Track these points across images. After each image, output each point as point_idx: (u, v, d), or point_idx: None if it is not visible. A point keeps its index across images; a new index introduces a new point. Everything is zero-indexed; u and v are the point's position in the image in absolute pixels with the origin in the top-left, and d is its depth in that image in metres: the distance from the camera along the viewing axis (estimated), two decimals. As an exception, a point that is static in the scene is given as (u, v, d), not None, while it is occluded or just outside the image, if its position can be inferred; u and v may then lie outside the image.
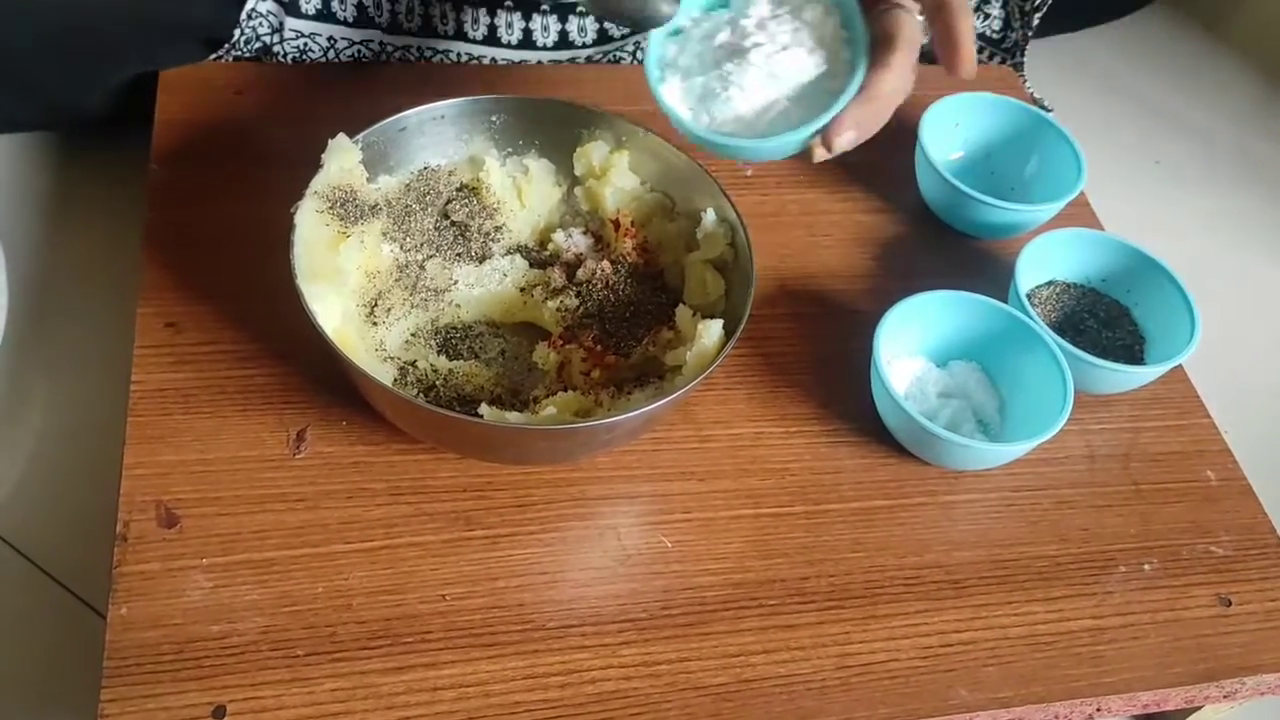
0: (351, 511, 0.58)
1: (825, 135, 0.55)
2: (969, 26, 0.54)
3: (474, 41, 0.83)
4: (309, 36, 0.78)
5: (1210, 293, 0.73)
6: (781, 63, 0.56)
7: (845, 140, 0.55)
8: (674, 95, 0.57)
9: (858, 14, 0.56)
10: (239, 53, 0.78)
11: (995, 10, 0.96)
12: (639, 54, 0.88)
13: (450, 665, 0.54)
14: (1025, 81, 0.94)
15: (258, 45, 0.78)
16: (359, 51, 0.80)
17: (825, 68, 0.56)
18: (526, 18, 0.83)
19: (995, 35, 0.97)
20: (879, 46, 0.55)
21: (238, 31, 0.76)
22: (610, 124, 0.68)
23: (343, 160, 0.62)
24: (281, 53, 0.79)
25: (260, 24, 0.77)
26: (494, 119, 0.68)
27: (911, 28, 0.55)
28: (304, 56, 0.79)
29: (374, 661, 0.54)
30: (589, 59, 0.86)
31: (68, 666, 0.60)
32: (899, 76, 0.55)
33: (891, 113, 0.56)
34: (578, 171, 0.69)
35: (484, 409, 0.59)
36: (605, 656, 0.56)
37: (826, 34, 0.56)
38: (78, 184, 0.82)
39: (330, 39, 0.79)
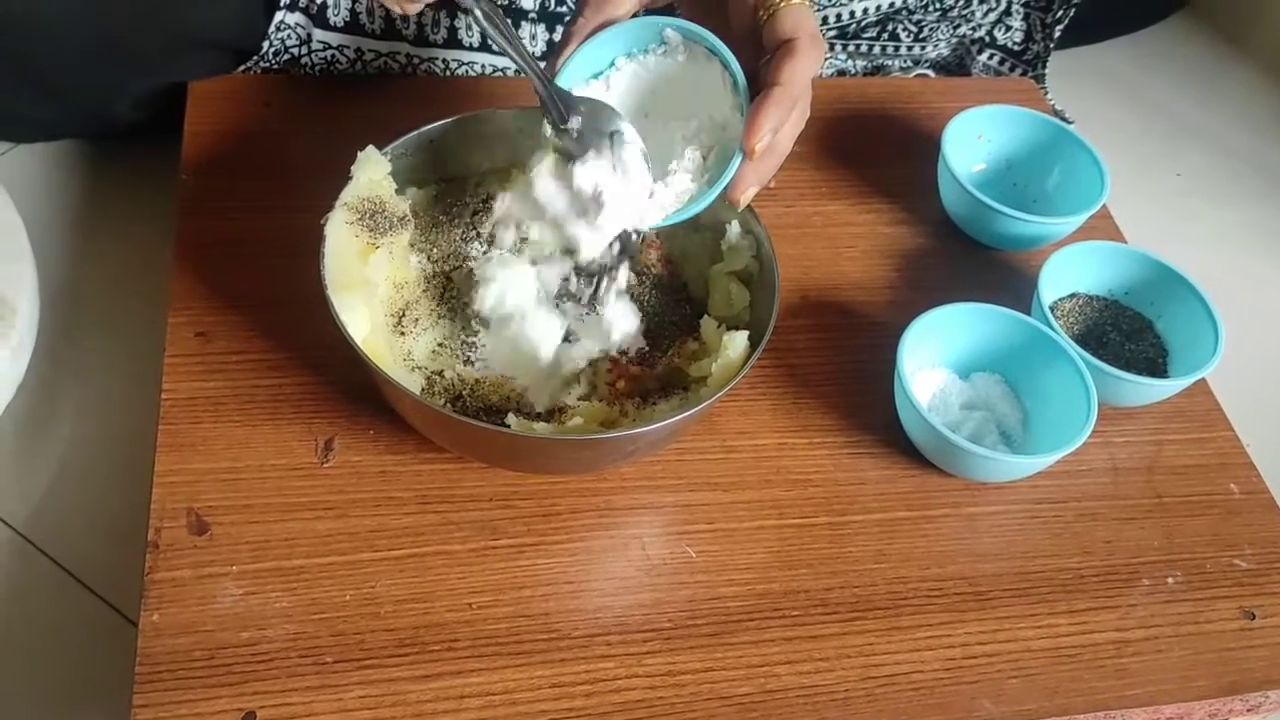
0: (379, 520, 0.59)
1: (730, 195, 0.58)
2: (778, 117, 0.56)
3: (499, 53, 0.83)
4: (337, 49, 0.79)
5: (1234, 305, 0.73)
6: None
7: (750, 195, 0.58)
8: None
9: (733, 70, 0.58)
10: (267, 64, 0.79)
11: (1016, 23, 0.96)
12: None
13: (477, 673, 0.55)
14: (1047, 94, 0.95)
15: (286, 57, 0.79)
16: (386, 64, 0.81)
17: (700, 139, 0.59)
18: (550, 30, 0.83)
19: (1016, 47, 0.97)
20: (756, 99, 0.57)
21: (266, 43, 0.77)
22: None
23: (372, 172, 0.63)
24: (309, 64, 0.79)
25: (288, 35, 0.78)
26: (520, 130, 0.69)
27: (782, 71, 0.57)
28: (331, 68, 0.80)
29: (402, 669, 0.54)
30: None
31: (100, 672, 0.60)
32: (777, 123, 0.57)
33: (783, 157, 0.59)
34: (603, 183, 0.70)
35: (510, 419, 0.60)
36: (630, 666, 0.56)
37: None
38: (109, 194, 0.83)
39: (358, 50, 0.80)
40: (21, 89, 0.76)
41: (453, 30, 0.81)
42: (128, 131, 0.82)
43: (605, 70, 0.62)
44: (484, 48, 0.83)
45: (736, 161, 0.57)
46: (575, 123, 0.58)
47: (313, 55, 0.79)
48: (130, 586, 0.59)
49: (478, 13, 0.57)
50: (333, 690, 0.53)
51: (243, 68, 0.78)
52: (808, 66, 0.57)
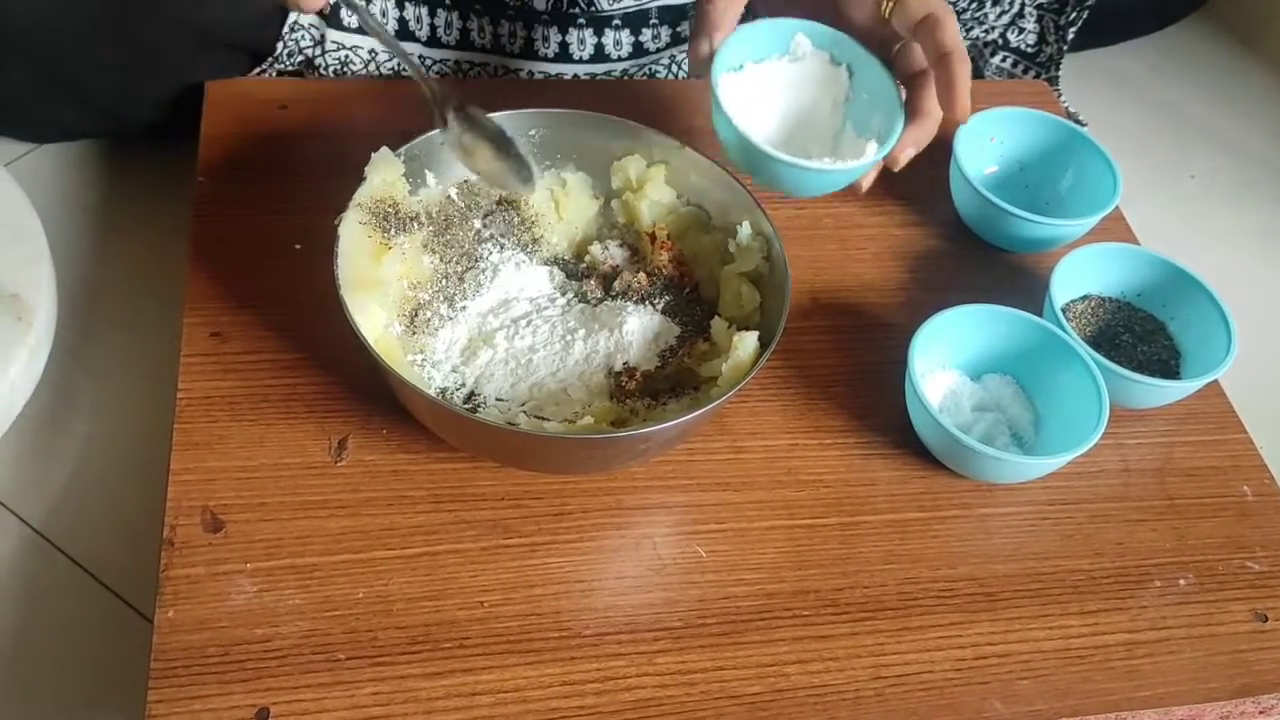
0: (392, 518, 0.59)
1: (892, 155, 0.64)
2: (966, 73, 0.63)
3: (511, 55, 0.84)
4: (350, 49, 0.80)
5: (1246, 307, 0.73)
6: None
7: (907, 156, 0.65)
8: (735, 108, 0.63)
9: (870, 61, 0.66)
10: (282, 65, 0.79)
11: (1030, 25, 0.96)
12: (674, 68, 0.89)
13: (488, 671, 0.55)
14: (1061, 96, 0.95)
15: (300, 59, 0.80)
16: (399, 65, 0.82)
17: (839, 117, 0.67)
18: (563, 31, 0.84)
19: (1030, 49, 0.97)
20: (917, 75, 0.65)
21: (280, 44, 0.78)
22: (647, 138, 0.69)
23: (385, 173, 0.63)
24: (323, 65, 0.80)
25: (302, 36, 0.78)
26: (533, 133, 0.69)
27: (930, 56, 0.64)
28: (345, 69, 0.81)
29: (414, 666, 0.55)
30: (624, 72, 0.87)
31: (115, 668, 0.61)
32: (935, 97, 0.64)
33: (937, 123, 0.66)
34: (615, 185, 0.70)
35: (521, 419, 0.60)
36: (641, 664, 0.57)
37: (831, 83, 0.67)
38: (126, 196, 0.83)
39: (371, 51, 0.81)
40: (40, 90, 0.76)
41: (464, 32, 0.82)
42: (145, 132, 0.83)
43: (736, 69, 0.66)
44: (496, 49, 0.83)
45: (899, 127, 0.64)
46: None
47: (326, 56, 0.80)
48: (146, 584, 0.59)
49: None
50: (345, 687, 0.54)
51: (258, 70, 0.79)
52: (955, 27, 0.63)
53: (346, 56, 0.80)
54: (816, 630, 0.59)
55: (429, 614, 0.57)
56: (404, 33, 0.81)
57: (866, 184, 0.66)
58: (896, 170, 0.65)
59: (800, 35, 0.66)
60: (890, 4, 0.64)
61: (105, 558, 0.65)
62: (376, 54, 0.81)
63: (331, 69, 0.80)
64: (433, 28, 0.81)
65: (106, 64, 0.75)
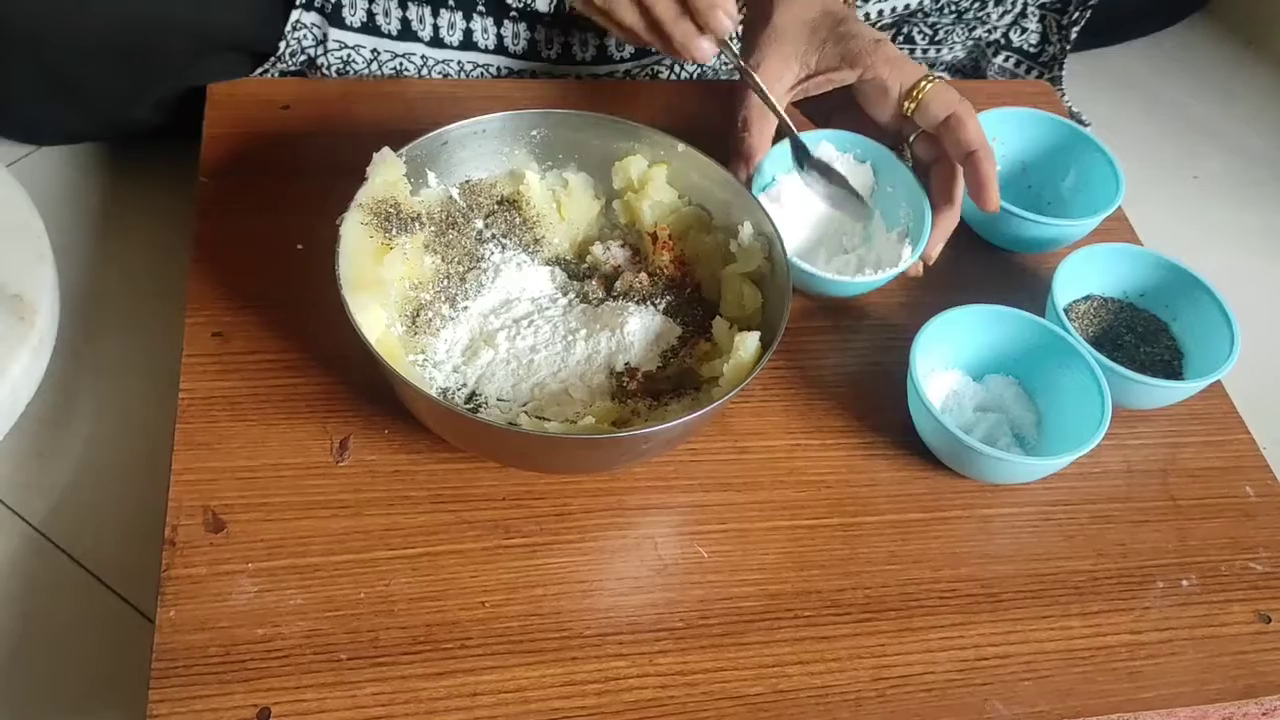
0: (393, 519, 0.59)
1: (925, 252, 0.70)
2: (993, 168, 0.68)
3: (515, 56, 0.84)
4: (353, 48, 0.80)
5: (1249, 308, 0.73)
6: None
7: (938, 250, 0.71)
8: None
9: (890, 158, 0.73)
10: (285, 65, 0.79)
11: (1032, 25, 0.96)
12: (676, 68, 0.89)
13: (489, 671, 0.55)
14: (1064, 95, 0.94)
15: (302, 58, 0.80)
16: (401, 64, 0.82)
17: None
18: (566, 33, 0.84)
19: (1032, 49, 0.97)
20: (935, 162, 0.71)
21: (283, 44, 0.78)
22: (648, 138, 0.69)
23: (387, 173, 0.63)
24: (325, 64, 0.80)
25: (304, 35, 0.78)
26: (534, 133, 0.69)
27: (957, 153, 0.69)
28: (347, 68, 0.81)
29: (415, 666, 0.55)
30: (627, 72, 0.87)
31: (117, 668, 0.61)
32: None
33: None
34: (616, 185, 0.70)
35: (523, 418, 0.60)
36: (642, 665, 0.56)
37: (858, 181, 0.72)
38: (128, 196, 0.83)
39: (374, 51, 0.81)
40: (43, 91, 0.77)
41: (468, 33, 0.82)
42: (148, 134, 0.83)
43: (769, 185, 0.72)
44: (500, 50, 0.83)
45: (928, 215, 0.70)
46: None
47: (329, 55, 0.80)
48: (147, 583, 0.59)
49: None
50: (346, 687, 0.54)
51: (260, 69, 0.79)
52: (977, 124, 0.68)
53: (349, 55, 0.80)
54: (818, 631, 0.59)
55: (430, 614, 0.56)
56: (407, 33, 0.81)
57: (914, 272, 0.70)
58: (930, 264, 0.70)
59: (824, 143, 0.73)
60: (912, 105, 0.69)
61: (107, 557, 0.65)
62: (379, 53, 0.81)
63: (334, 68, 0.80)
64: (435, 28, 0.81)
65: (108, 67, 0.75)
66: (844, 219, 0.72)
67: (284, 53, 0.78)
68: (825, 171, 0.70)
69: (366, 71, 0.81)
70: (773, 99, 0.68)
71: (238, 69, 0.79)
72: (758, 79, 0.68)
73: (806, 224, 0.73)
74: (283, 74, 0.80)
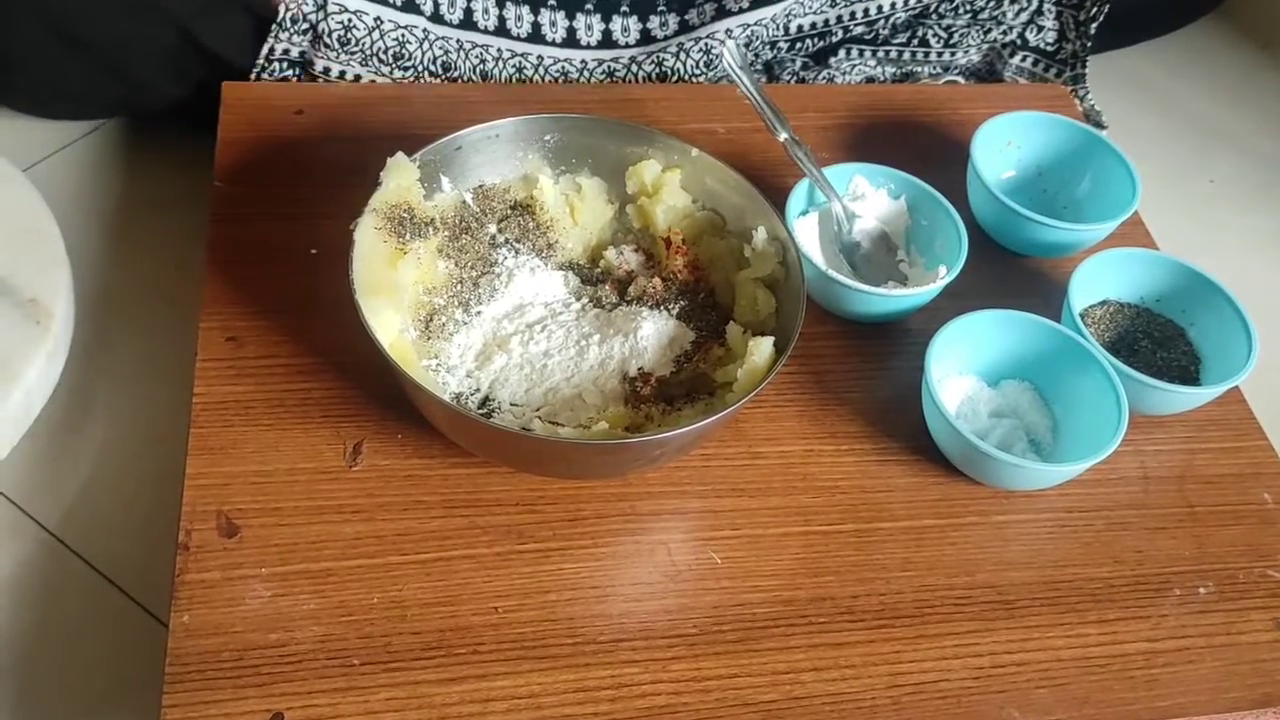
0: (406, 524, 0.59)
1: None
2: None
3: (517, 39, 0.83)
4: (354, 13, 0.78)
5: (1267, 312, 0.72)
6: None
7: None
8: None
9: (925, 190, 0.74)
10: (288, 32, 0.78)
11: (1049, 23, 0.95)
12: (682, 55, 0.87)
13: (502, 677, 0.55)
14: (1088, 94, 0.93)
15: (304, 25, 0.78)
16: (403, 36, 0.80)
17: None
18: (570, 16, 0.83)
19: (1050, 48, 0.96)
20: None
21: (283, 8, 0.77)
22: (662, 143, 0.69)
23: (401, 178, 0.63)
24: (326, 30, 0.78)
25: (306, 2, 0.77)
26: (548, 138, 0.69)
27: None
28: (348, 34, 0.79)
29: (428, 672, 0.55)
30: (632, 59, 0.86)
31: (130, 672, 0.61)
32: None
33: None
34: (630, 190, 0.70)
35: (536, 424, 0.60)
36: (655, 671, 0.56)
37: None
38: (143, 201, 0.84)
39: (376, 19, 0.79)
40: (55, 52, 0.76)
41: (468, 12, 0.81)
42: (167, 110, 0.82)
43: (802, 215, 0.73)
44: (500, 32, 0.82)
45: (964, 248, 0.71)
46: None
47: (329, 20, 0.78)
48: (161, 587, 0.59)
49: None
50: (359, 692, 0.54)
51: (265, 48, 0.78)
52: None
53: (350, 20, 0.78)
54: (832, 637, 0.59)
55: (443, 619, 0.56)
56: (409, 5, 0.80)
57: None
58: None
59: (858, 176, 0.74)
60: None
61: (120, 561, 0.65)
62: (382, 22, 0.79)
63: (335, 35, 0.78)
64: (436, 4, 0.80)
65: (120, 19, 0.75)
66: (881, 246, 0.74)
67: (284, 18, 0.77)
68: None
69: (367, 40, 0.80)
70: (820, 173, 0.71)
71: (239, 29, 0.78)
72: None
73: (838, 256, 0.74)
74: (287, 49, 0.79)
